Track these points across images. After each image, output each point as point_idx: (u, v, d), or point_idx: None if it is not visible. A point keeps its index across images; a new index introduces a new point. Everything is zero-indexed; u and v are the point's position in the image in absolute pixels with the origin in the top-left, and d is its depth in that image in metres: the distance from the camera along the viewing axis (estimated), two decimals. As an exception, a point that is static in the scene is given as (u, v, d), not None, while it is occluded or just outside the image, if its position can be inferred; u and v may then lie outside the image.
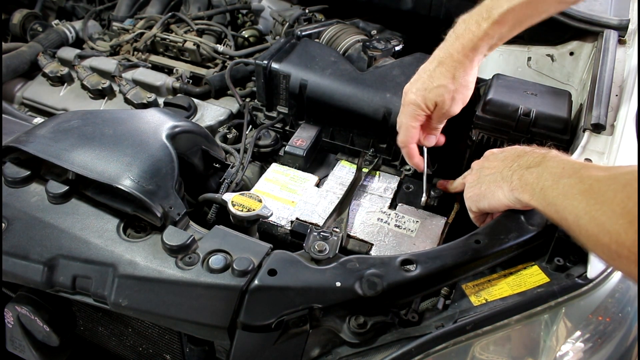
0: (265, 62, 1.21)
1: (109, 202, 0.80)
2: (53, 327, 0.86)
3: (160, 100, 1.39)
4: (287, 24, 1.59)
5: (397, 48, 1.30)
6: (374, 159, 1.17)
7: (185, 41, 1.52)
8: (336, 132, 1.22)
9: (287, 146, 1.14)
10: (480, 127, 1.07)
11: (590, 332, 0.71)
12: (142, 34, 1.58)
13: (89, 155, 0.80)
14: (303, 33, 1.38)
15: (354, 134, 1.20)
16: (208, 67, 1.52)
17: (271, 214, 0.89)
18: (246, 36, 1.64)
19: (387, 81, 1.16)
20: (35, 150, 0.81)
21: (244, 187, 1.09)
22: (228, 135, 1.28)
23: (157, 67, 1.54)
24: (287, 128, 1.27)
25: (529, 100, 1.08)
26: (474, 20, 0.89)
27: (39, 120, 1.13)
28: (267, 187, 1.06)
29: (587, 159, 0.90)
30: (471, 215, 0.89)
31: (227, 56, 1.52)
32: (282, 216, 0.99)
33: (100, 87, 1.40)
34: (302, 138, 1.15)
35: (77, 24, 1.70)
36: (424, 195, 1.04)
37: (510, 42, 1.00)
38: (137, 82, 1.42)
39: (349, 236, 0.95)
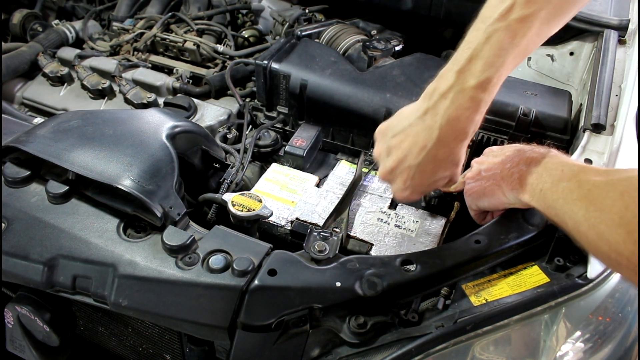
0: (265, 62, 1.21)
1: (109, 202, 0.80)
2: (53, 327, 0.86)
3: (160, 100, 1.39)
4: (287, 24, 1.59)
5: (397, 48, 1.30)
6: (374, 159, 1.17)
7: (185, 41, 1.52)
8: (336, 132, 1.22)
9: (287, 146, 1.14)
10: (480, 126, 1.07)
11: (590, 332, 0.71)
12: (142, 34, 1.58)
13: (89, 155, 0.80)
14: (303, 33, 1.38)
15: (354, 134, 1.20)
16: (208, 67, 1.52)
17: (271, 214, 0.89)
18: (246, 36, 1.64)
19: (387, 81, 1.16)
20: (35, 150, 0.81)
21: (244, 187, 1.09)
22: (228, 135, 1.28)
23: (157, 67, 1.53)
24: (287, 128, 1.27)
25: (529, 100, 1.08)
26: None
27: (39, 120, 1.13)
28: (267, 187, 1.06)
29: (587, 159, 0.90)
30: (472, 213, 0.89)
31: (227, 56, 1.52)
32: (282, 216, 0.99)
33: (100, 87, 1.40)
34: (302, 138, 1.15)
35: (77, 24, 1.70)
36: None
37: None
38: (137, 82, 1.42)
39: (349, 236, 0.95)
